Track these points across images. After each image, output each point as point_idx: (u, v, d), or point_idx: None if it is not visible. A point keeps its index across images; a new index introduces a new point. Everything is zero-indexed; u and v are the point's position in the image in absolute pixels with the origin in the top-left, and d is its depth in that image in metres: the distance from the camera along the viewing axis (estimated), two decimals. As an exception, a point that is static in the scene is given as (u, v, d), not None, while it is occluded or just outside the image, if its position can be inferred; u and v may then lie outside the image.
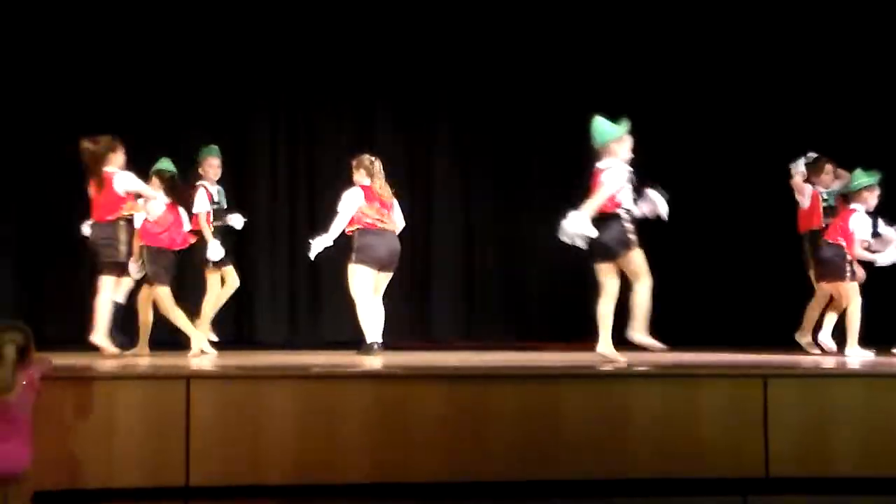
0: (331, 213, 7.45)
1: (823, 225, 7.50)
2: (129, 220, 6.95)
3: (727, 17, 9.57)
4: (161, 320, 7.29)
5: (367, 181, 7.45)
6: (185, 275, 7.88)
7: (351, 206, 7.37)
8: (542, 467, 5.25)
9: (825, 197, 7.64)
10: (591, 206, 6.19)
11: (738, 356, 6.93)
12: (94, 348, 7.02)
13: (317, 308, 9.45)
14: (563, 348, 8.19)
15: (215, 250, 7.52)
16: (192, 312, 7.43)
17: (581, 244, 6.16)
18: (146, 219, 7.09)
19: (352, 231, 7.40)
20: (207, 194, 7.71)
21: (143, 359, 6.94)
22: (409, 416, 5.25)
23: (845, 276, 7.14)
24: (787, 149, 8.05)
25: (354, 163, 7.56)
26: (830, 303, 7.41)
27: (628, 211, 6.32)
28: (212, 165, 7.81)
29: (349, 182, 7.50)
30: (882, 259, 7.11)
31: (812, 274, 7.61)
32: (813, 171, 7.72)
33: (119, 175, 6.87)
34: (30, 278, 9.22)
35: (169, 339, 7.59)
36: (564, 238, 6.13)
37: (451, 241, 9.91)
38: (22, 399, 4.64)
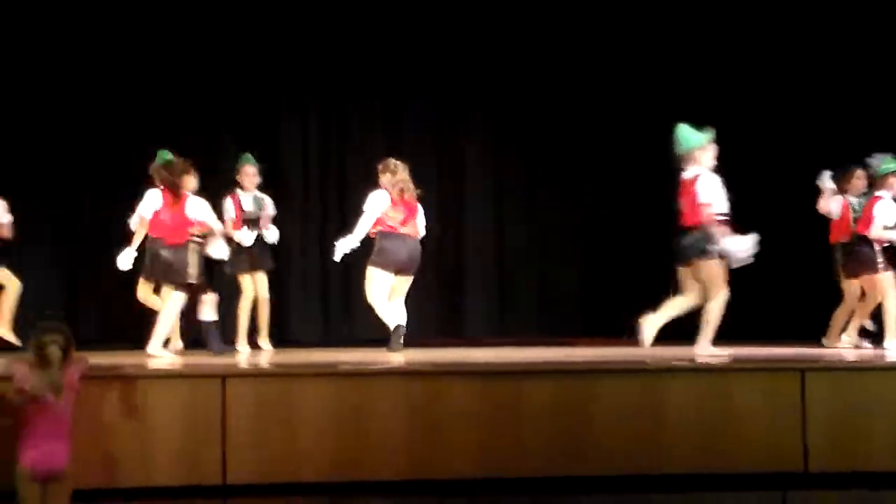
0: (359, 213, 7.46)
1: (854, 234, 7.42)
2: (200, 242, 6.96)
3: (760, 18, 9.48)
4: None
5: (392, 184, 7.46)
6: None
7: (376, 208, 7.38)
8: (578, 463, 5.24)
9: (856, 207, 7.53)
10: (707, 221, 6.28)
11: (773, 350, 6.88)
12: (129, 347, 7.09)
13: (349, 306, 9.47)
14: (597, 344, 8.17)
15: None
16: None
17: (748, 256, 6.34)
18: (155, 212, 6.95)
19: (374, 233, 7.43)
20: (235, 202, 7.84)
21: (179, 358, 6.98)
22: (444, 413, 5.25)
23: (877, 268, 7.08)
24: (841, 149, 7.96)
25: (381, 166, 7.56)
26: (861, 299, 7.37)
27: (721, 217, 6.35)
28: (246, 174, 7.90)
29: (376, 184, 7.51)
30: None
31: (842, 279, 7.52)
32: (843, 179, 7.62)
33: (192, 200, 6.93)
34: (65, 277, 9.30)
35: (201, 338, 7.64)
36: (738, 264, 6.35)
37: (482, 239, 9.89)
38: (64, 399, 4.70)
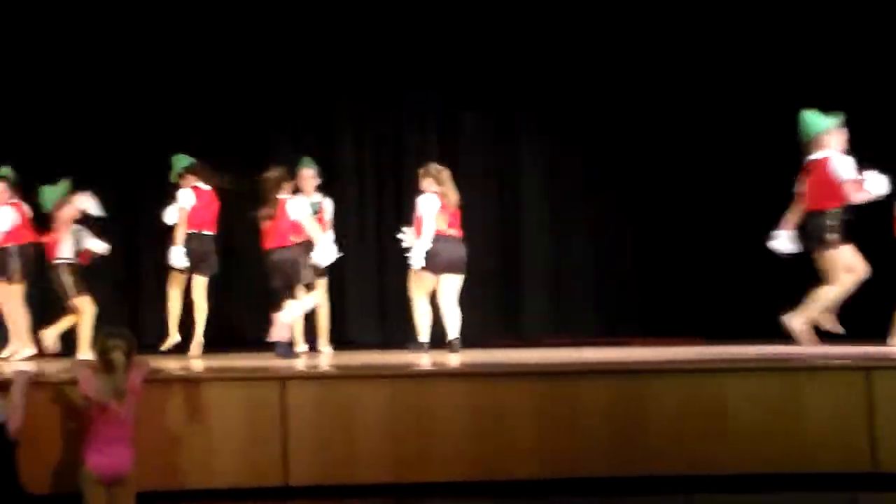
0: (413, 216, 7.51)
1: None
2: (308, 246, 7.04)
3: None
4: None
5: (434, 188, 7.47)
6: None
7: (432, 210, 7.41)
8: (639, 462, 5.20)
9: None
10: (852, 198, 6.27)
11: (837, 348, 6.75)
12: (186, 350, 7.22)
13: (406, 307, 9.48)
14: (656, 343, 8.10)
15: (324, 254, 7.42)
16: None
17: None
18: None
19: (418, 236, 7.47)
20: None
21: (239, 361, 7.03)
22: (502, 414, 5.24)
23: None
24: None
25: (421, 171, 7.60)
26: None
27: (844, 206, 6.34)
28: (304, 177, 7.94)
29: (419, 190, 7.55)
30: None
31: None
32: None
33: (291, 201, 7.05)
34: (126, 283, 9.43)
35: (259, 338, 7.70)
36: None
37: (539, 239, 9.85)
38: (127, 403, 4.76)
